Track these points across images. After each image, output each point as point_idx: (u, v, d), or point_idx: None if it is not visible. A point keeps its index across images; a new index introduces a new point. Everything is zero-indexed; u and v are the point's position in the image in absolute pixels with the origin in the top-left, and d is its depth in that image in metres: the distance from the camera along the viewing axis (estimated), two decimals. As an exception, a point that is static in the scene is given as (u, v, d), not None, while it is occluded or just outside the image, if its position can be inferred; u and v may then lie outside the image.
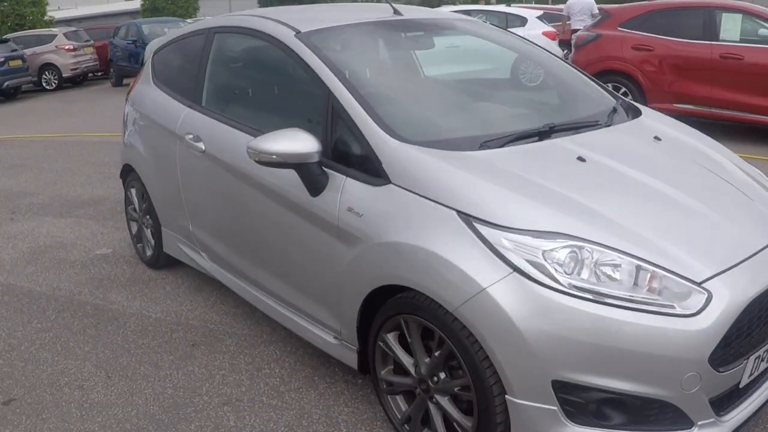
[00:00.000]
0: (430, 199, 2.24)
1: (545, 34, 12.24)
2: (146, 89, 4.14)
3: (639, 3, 8.11)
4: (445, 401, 2.28)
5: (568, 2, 12.68)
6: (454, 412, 2.26)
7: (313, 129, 2.61)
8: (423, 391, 2.34)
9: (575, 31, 12.55)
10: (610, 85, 7.53)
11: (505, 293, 1.98)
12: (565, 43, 12.02)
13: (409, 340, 2.34)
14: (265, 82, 3.30)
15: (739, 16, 7.12)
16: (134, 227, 4.53)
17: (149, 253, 4.35)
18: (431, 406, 2.33)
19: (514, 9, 13.32)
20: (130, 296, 3.99)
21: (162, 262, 4.28)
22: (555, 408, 1.98)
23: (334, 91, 2.61)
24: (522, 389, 2.00)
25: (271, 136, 2.55)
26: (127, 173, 4.40)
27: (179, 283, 4.12)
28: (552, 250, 2.03)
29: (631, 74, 7.67)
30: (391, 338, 2.42)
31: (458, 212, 2.17)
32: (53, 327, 3.66)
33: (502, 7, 13.43)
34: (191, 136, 3.41)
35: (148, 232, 4.31)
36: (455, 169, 2.28)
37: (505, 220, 2.11)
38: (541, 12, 13.54)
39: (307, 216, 2.62)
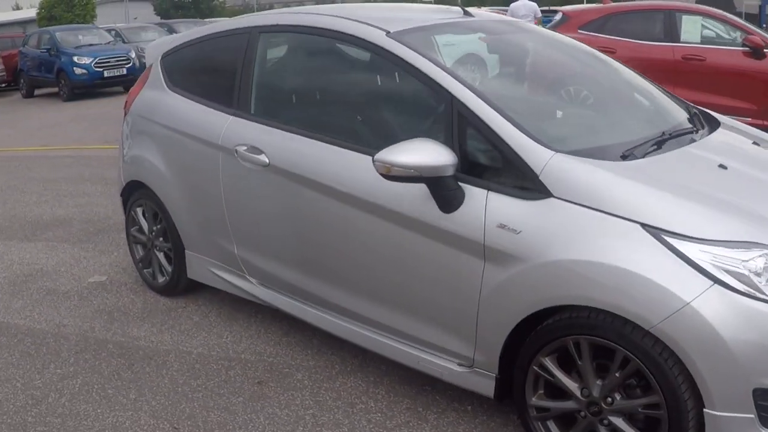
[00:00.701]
0: (605, 212, 2.07)
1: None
2: (160, 96, 3.68)
3: (597, 6, 8.31)
4: (620, 422, 2.13)
5: (511, 6, 13.03)
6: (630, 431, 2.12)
7: (429, 137, 2.37)
8: (592, 414, 2.16)
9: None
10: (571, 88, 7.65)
11: (709, 306, 1.94)
12: None
13: (578, 362, 2.15)
14: (348, 88, 2.98)
15: (698, 18, 7.44)
16: (139, 251, 4.04)
17: (162, 279, 3.89)
18: (602, 429, 2.16)
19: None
20: (155, 330, 3.53)
21: (180, 288, 3.83)
22: (752, 416, 1.96)
23: (461, 97, 2.37)
24: (722, 401, 1.96)
25: (401, 148, 2.30)
26: (132, 191, 3.92)
27: (206, 312, 3.70)
28: (750, 259, 1.98)
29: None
30: (550, 361, 2.21)
31: (643, 225, 2.03)
32: (78, 372, 3.16)
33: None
34: (245, 148, 3.03)
35: (160, 256, 3.85)
36: (630, 180, 2.13)
37: (697, 232, 2.02)
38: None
39: (435, 234, 2.36)
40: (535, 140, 2.24)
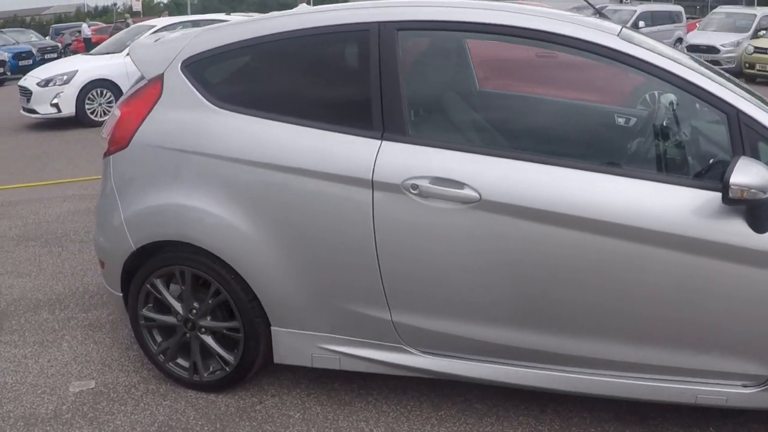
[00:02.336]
0: None
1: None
2: (202, 118, 2.64)
3: None
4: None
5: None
6: None
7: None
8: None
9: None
10: None
11: None
12: None
13: None
14: (573, 100, 2.44)
15: None
16: (156, 337, 2.89)
17: (215, 371, 2.83)
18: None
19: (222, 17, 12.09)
20: (259, 444, 2.53)
21: (240, 379, 2.83)
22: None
23: (746, 110, 2.14)
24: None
25: (748, 170, 2.00)
26: (147, 257, 2.77)
27: (300, 402, 2.77)
28: None
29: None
30: None
31: None
32: None
33: (221, 15, 12.06)
34: (427, 182, 2.32)
35: (209, 341, 2.79)
36: None
37: None
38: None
39: (740, 257, 2.12)
40: None
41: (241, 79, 2.77)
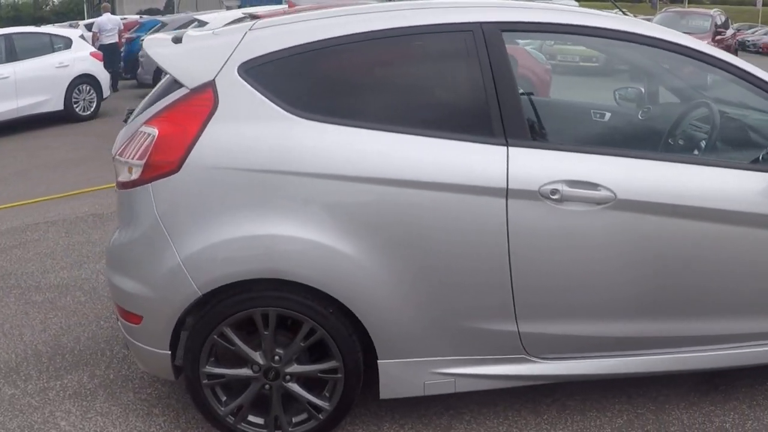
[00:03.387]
0: None
1: (93, 55, 10.63)
2: (283, 132, 2.27)
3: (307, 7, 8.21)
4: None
5: (97, 20, 12.59)
6: None
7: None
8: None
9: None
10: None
11: None
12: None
13: None
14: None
15: None
16: (223, 396, 2.44)
17: (300, 421, 2.47)
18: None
19: (55, 28, 10.96)
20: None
21: (334, 426, 2.51)
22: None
23: None
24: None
25: None
26: (219, 301, 2.32)
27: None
28: None
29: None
30: None
31: None
32: None
33: (50, 28, 10.78)
34: (564, 185, 2.25)
35: (295, 389, 2.43)
36: None
37: None
38: (80, 32, 11.51)
39: None
40: None
41: (324, 84, 2.43)
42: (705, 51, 2.48)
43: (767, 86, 2.46)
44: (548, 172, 2.28)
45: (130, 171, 2.39)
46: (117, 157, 2.45)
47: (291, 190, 2.27)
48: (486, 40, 2.35)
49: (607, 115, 2.88)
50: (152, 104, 2.48)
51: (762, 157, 2.47)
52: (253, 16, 2.78)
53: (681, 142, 2.70)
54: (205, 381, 2.43)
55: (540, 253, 2.31)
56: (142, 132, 2.37)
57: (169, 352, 2.42)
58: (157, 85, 2.71)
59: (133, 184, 2.37)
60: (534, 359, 2.46)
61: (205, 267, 2.28)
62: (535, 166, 2.28)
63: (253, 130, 2.30)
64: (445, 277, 2.32)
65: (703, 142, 2.64)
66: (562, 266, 2.33)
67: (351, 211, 2.27)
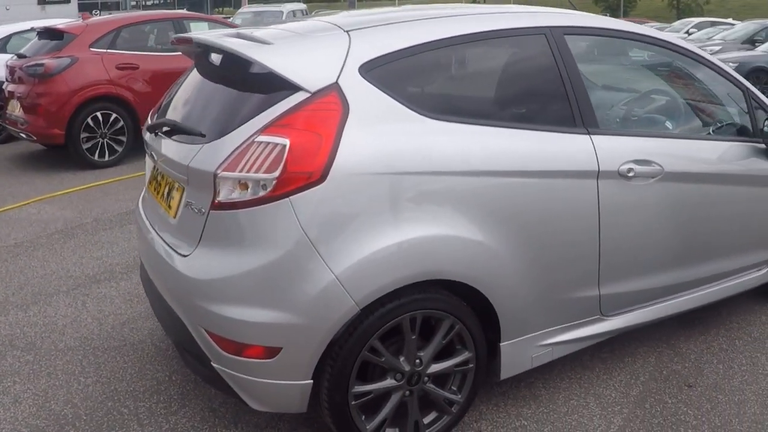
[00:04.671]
0: None
1: None
2: (419, 135, 2.26)
3: (103, 19, 7.20)
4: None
5: None
6: None
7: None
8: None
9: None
10: (98, 114, 6.80)
11: None
12: None
13: None
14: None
15: (205, 25, 7.74)
16: (361, 414, 2.33)
17: (433, 420, 2.48)
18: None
19: None
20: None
21: (461, 418, 2.57)
22: None
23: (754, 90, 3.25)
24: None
25: None
26: (369, 313, 2.21)
27: (525, 413, 2.69)
28: None
29: (123, 97, 6.98)
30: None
31: None
32: None
33: None
34: (634, 163, 2.65)
35: (432, 389, 2.44)
36: None
37: None
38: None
39: None
40: None
41: (437, 83, 2.45)
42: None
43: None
44: (622, 154, 2.67)
45: (244, 188, 2.12)
46: (223, 173, 2.13)
47: (434, 190, 2.27)
48: (557, 42, 2.63)
49: (650, 102, 3.35)
50: None
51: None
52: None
53: (697, 123, 3.32)
54: (353, 402, 2.27)
55: (619, 222, 2.69)
56: (261, 143, 2.11)
57: (311, 381, 2.21)
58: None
59: (258, 201, 2.10)
60: (606, 318, 2.84)
61: (363, 279, 2.15)
62: (613, 149, 2.65)
63: (388, 132, 2.23)
64: (552, 254, 2.56)
65: (701, 122, 3.30)
66: (633, 232, 2.75)
67: (484, 204, 2.36)
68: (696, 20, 27.06)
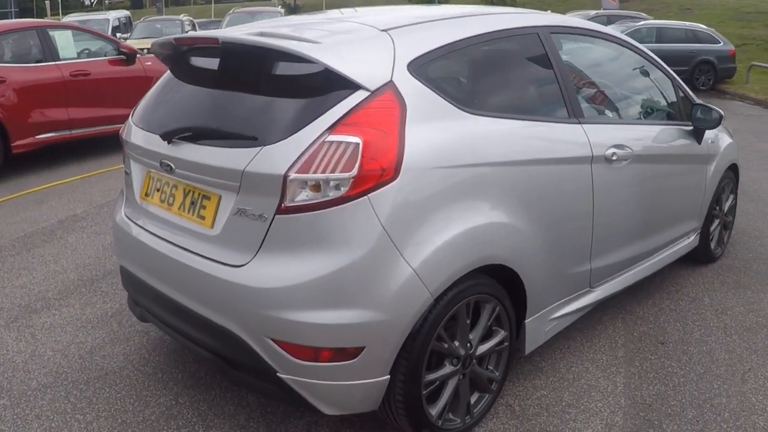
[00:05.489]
0: None
1: None
2: (465, 130, 2.39)
3: None
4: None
5: None
6: None
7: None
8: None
9: None
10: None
11: None
12: None
13: None
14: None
15: (69, 33, 7.04)
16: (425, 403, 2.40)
17: (478, 400, 2.62)
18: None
19: None
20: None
21: (498, 394, 2.72)
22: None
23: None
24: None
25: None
26: (437, 301, 2.28)
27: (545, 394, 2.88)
28: None
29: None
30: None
31: None
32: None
33: None
34: (615, 148, 2.98)
35: (479, 370, 2.57)
36: None
37: None
38: None
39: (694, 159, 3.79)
40: None
41: (461, 82, 2.56)
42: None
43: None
44: (606, 140, 2.99)
45: (315, 189, 2.10)
46: (295, 175, 2.08)
47: (484, 181, 2.41)
48: (546, 40, 2.88)
49: (618, 94, 3.65)
50: None
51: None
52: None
53: (646, 111, 3.69)
54: (424, 392, 2.33)
55: (606, 200, 3.01)
56: (333, 142, 2.10)
57: (389, 377, 2.24)
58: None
59: (335, 201, 2.09)
60: (593, 290, 3.15)
61: (437, 270, 2.23)
62: (599, 137, 2.96)
63: (439, 127, 2.32)
64: (561, 233, 2.80)
65: (650, 109, 3.71)
66: (614, 209, 3.09)
67: (519, 191, 2.54)
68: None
